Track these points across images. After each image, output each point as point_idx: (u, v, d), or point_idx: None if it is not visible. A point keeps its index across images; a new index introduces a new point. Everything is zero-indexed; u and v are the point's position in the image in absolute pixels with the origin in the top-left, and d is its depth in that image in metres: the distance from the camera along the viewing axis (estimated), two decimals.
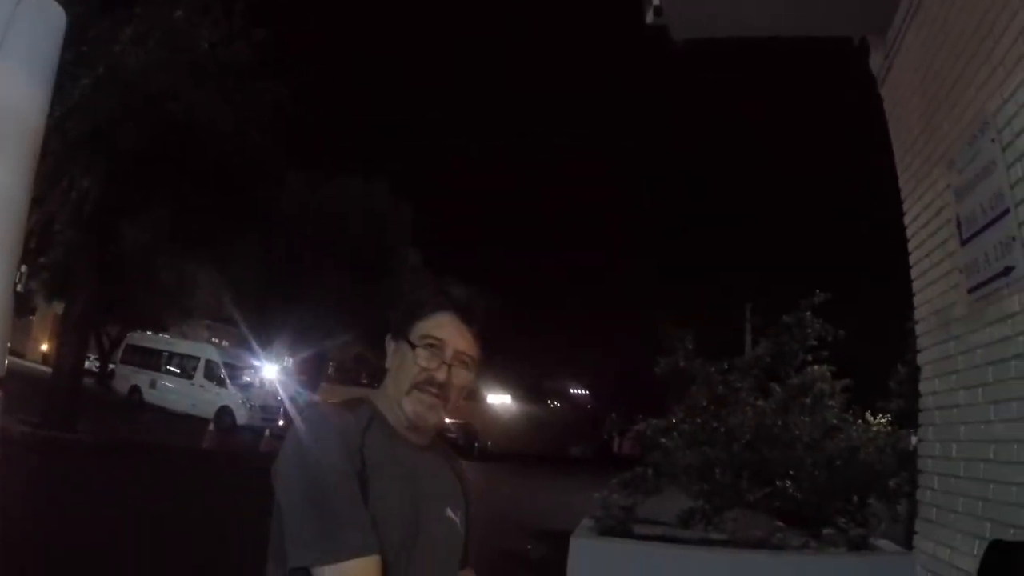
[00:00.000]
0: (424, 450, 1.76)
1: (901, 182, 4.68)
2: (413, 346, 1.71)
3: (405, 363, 1.72)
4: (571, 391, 52.34)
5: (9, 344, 1.99)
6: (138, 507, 8.96)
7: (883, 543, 5.03)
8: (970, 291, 3.70)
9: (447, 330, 1.72)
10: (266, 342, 24.59)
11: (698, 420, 5.58)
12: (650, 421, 5.96)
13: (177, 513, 8.87)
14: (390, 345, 1.80)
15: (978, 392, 3.63)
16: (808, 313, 5.78)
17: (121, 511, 8.55)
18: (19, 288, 2.18)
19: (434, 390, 1.70)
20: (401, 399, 1.70)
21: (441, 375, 1.70)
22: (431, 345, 1.70)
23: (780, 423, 5.33)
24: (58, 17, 2.44)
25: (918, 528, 4.29)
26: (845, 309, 6.54)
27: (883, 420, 6.72)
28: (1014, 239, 3.31)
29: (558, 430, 42.69)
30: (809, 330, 5.73)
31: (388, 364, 1.79)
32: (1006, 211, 3.38)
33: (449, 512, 1.76)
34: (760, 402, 5.53)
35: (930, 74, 4.29)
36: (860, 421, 6.14)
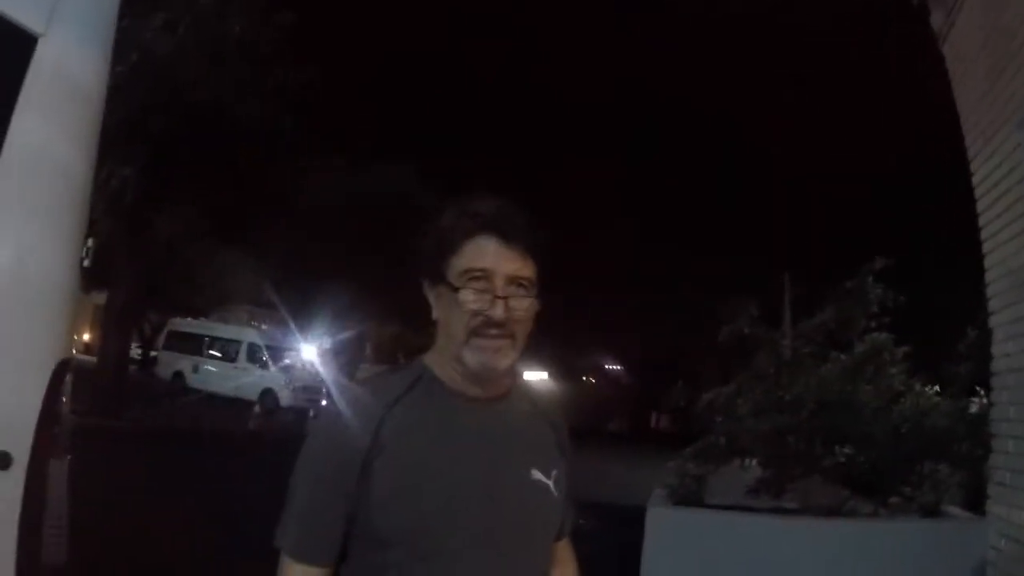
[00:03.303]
0: (498, 404, 1.52)
1: (968, 142, 4.57)
2: (455, 288, 1.44)
3: (452, 310, 1.45)
4: (606, 366, 52.30)
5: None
6: (190, 491, 9.15)
7: (954, 510, 4.98)
8: None
9: (489, 256, 1.44)
10: (305, 324, 24.87)
11: (761, 389, 5.53)
12: (720, 389, 5.91)
13: (228, 495, 9.05)
14: (430, 293, 1.52)
15: None
16: (870, 278, 5.68)
17: (175, 497, 8.73)
18: (86, 263, 2.16)
19: (495, 331, 1.43)
20: (461, 352, 1.45)
21: (498, 312, 1.42)
22: (475, 278, 1.43)
23: (848, 390, 5.28)
24: None
25: (991, 493, 4.24)
26: (906, 274, 6.43)
27: (933, 389, 6.60)
28: None
29: (595, 405, 42.74)
30: (870, 295, 5.64)
31: (435, 315, 1.52)
32: None
33: (536, 473, 1.51)
34: (824, 368, 5.47)
35: (996, 31, 4.17)
36: (924, 387, 6.05)
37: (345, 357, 30.06)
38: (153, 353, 28.27)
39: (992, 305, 4.29)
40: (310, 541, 1.41)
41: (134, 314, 20.75)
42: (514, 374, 1.57)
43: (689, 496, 4.99)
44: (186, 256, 19.44)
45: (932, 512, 4.78)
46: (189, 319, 27.17)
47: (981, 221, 4.40)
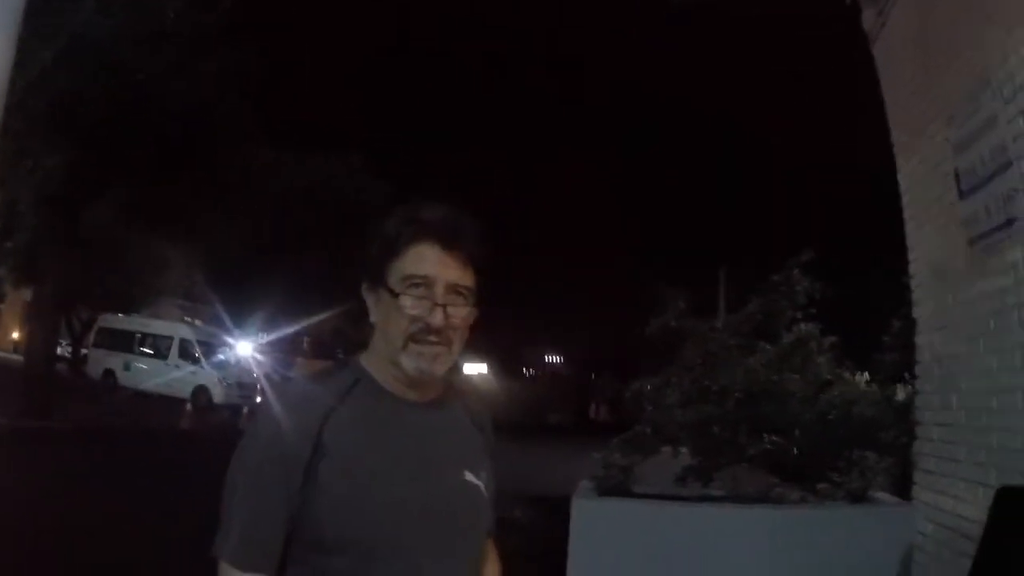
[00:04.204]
0: (432, 407, 1.54)
1: (894, 138, 4.70)
2: (395, 293, 1.45)
3: (391, 314, 1.47)
4: (546, 359, 52.62)
5: None
6: (120, 492, 8.91)
7: (881, 495, 5.13)
8: (970, 243, 3.73)
9: (430, 263, 1.46)
10: (240, 320, 24.34)
11: (689, 379, 5.64)
12: (647, 380, 6.01)
13: (160, 495, 8.83)
14: (369, 296, 1.54)
15: (979, 342, 3.69)
16: (796, 271, 5.83)
17: (103, 497, 8.49)
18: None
19: (433, 338, 1.46)
20: (398, 356, 1.46)
21: (437, 319, 1.44)
22: (415, 285, 1.45)
23: (774, 379, 5.40)
24: None
25: (917, 479, 4.38)
26: (833, 268, 6.61)
27: (864, 377, 6.81)
28: (1016, 191, 3.34)
29: (535, 398, 42.97)
30: (798, 288, 5.78)
31: (372, 318, 1.53)
32: (1008, 164, 3.41)
33: (468, 475, 1.55)
34: (751, 359, 5.59)
35: (926, 30, 4.28)
36: (852, 376, 6.23)
37: (281, 352, 29.50)
38: (83, 351, 27.33)
39: (916, 297, 4.42)
40: (252, 548, 1.38)
41: (62, 310, 20.02)
42: (446, 377, 1.57)
43: (616, 486, 5.03)
44: (116, 249, 18.80)
45: (860, 498, 4.92)
46: (119, 315, 26.33)
47: (906, 215, 4.53)
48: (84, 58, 12.60)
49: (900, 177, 4.60)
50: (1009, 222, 3.41)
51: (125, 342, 25.45)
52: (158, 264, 21.03)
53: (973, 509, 3.46)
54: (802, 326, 5.94)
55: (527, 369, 50.02)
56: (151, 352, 25.04)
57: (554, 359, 52.98)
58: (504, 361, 43.37)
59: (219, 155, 15.71)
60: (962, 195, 3.82)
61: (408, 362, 1.46)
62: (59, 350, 21.30)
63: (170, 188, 15.72)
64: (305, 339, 37.24)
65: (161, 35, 13.64)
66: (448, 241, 1.47)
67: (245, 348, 26.46)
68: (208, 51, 14.45)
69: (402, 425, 1.49)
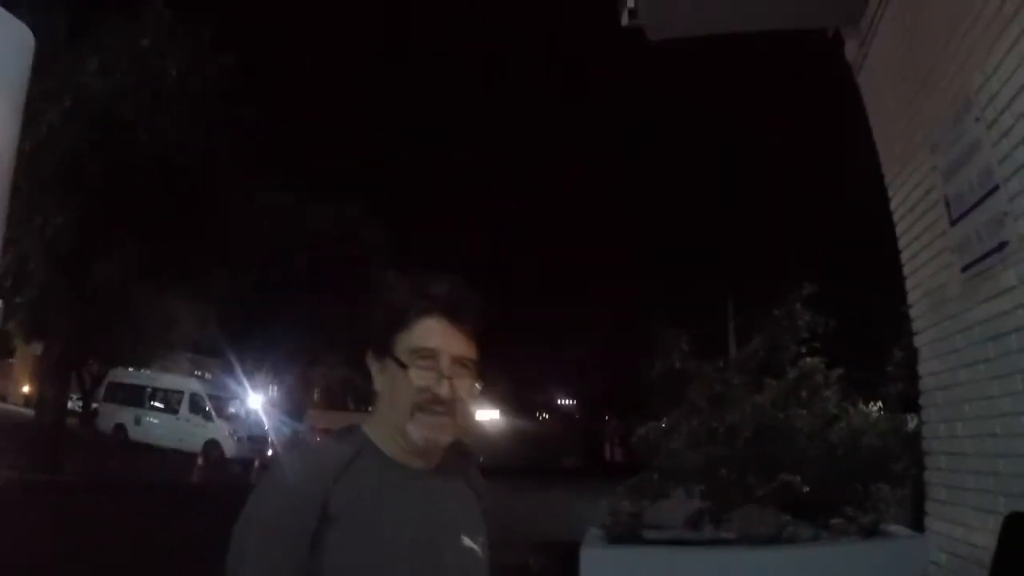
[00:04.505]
0: (433, 474, 1.58)
1: (884, 168, 4.72)
2: (403, 364, 1.50)
3: (398, 384, 1.52)
4: (559, 402, 52.29)
5: None
6: (128, 544, 8.86)
7: (894, 528, 5.04)
8: (963, 269, 3.73)
9: (437, 337, 1.52)
10: (250, 371, 24.35)
11: (696, 421, 5.59)
12: (651, 424, 5.96)
13: (169, 548, 8.75)
14: (373, 364, 1.58)
15: (980, 369, 3.66)
16: (798, 305, 5.82)
17: (111, 548, 8.44)
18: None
19: (440, 408, 1.51)
20: (404, 426, 1.50)
21: (444, 391, 1.50)
22: (423, 358, 1.50)
23: (781, 416, 5.35)
24: (24, 37, 2.31)
25: (929, 509, 4.31)
26: (834, 299, 6.60)
27: (875, 407, 6.75)
28: (1006, 214, 3.34)
29: (548, 441, 42.66)
30: (800, 322, 5.77)
31: (377, 387, 1.58)
32: (995, 188, 3.42)
33: (466, 540, 1.58)
34: (758, 397, 5.55)
35: (907, 59, 4.34)
36: (857, 408, 6.17)
37: (292, 403, 29.42)
38: (94, 405, 27.37)
39: (916, 326, 4.40)
40: None
41: (72, 365, 20.11)
42: (448, 441, 1.60)
43: (625, 533, 4.95)
44: (125, 304, 18.95)
45: (872, 532, 4.84)
46: (130, 369, 26.41)
47: (901, 244, 4.52)
48: (89, 117, 12.88)
49: (892, 206, 4.61)
50: (1000, 246, 3.40)
51: (136, 396, 25.49)
52: (167, 318, 21.14)
53: (983, 537, 3.41)
54: (807, 360, 5.92)
55: (539, 413, 49.67)
56: (162, 406, 25.03)
57: (567, 401, 52.64)
58: (516, 405, 43.15)
59: (221, 208, 15.93)
60: (953, 222, 3.83)
61: (415, 432, 1.50)
62: (70, 404, 21.33)
63: (176, 242, 15.91)
64: (316, 389, 37.19)
65: (163, 93, 13.94)
66: (454, 316, 1.53)
67: (256, 401, 26.40)
68: (209, 106, 14.75)
69: (406, 494, 1.52)
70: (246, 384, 24.89)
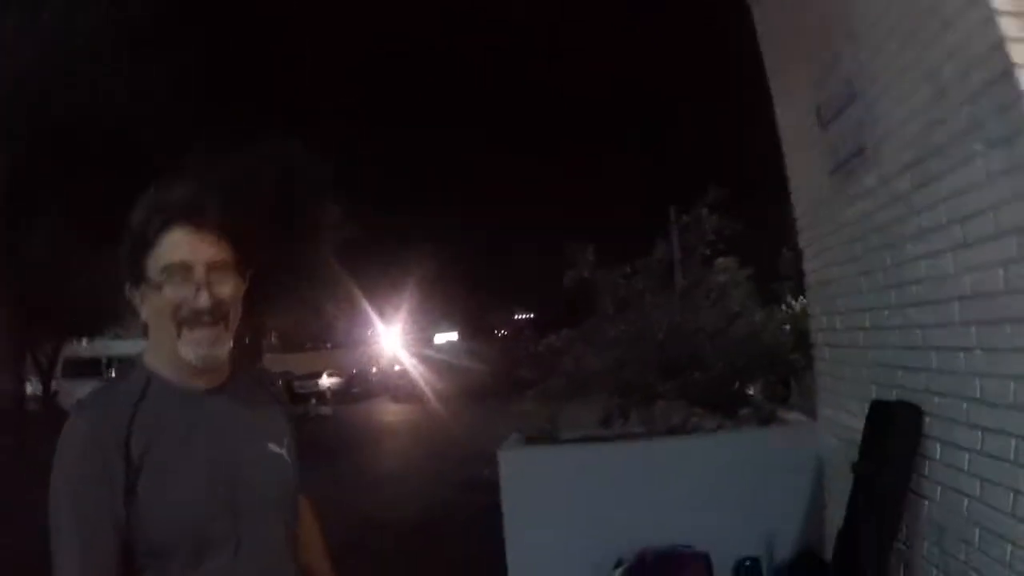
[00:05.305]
0: (223, 390, 1.55)
1: (770, 80, 4.86)
2: (157, 285, 1.44)
3: (158, 307, 1.46)
4: (516, 317, 52.85)
5: None
6: None
7: (793, 415, 5.43)
8: (831, 172, 3.97)
9: (184, 247, 1.45)
10: None
11: (606, 326, 5.89)
12: (560, 332, 6.29)
13: None
14: (133, 295, 1.51)
15: (849, 267, 3.94)
16: (704, 210, 6.05)
17: None
18: None
19: (206, 319, 1.46)
20: (176, 347, 1.46)
21: (202, 301, 1.44)
22: (175, 273, 1.44)
23: (687, 317, 5.67)
24: None
25: (820, 397, 4.68)
26: (744, 204, 6.85)
27: (794, 305, 7.10)
28: (863, 122, 3.56)
29: (507, 357, 43.20)
30: (707, 226, 6.02)
31: (143, 316, 1.51)
32: (854, 96, 3.63)
33: (272, 446, 1.59)
34: (664, 300, 5.84)
35: None
36: (769, 308, 6.51)
37: (251, 351, 29.28)
38: (53, 386, 26.85)
39: (799, 225, 4.67)
40: (91, 569, 1.37)
41: (22, 344, 19.62)
42: (229, 360, 1.58)
43: (540, 436, 5.27)
44: (65, 268, 18.44)
45: (771, 420, 5.23)
46: (84, 343, 25.82)
47: (785, 150, 4.72)
48: (14, 72, 12.35)
49: (777, 114, 4.79)
50: (860, 151, 3.64)
51: (92, 369, 24.84)
52: (111, 283, 20.65)
53: (860, 422, 3.72)
54: (720, 260, 6.21)
55: (497, 331, 50.30)
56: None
57: (524, 316, 53.21)
58: (474, 326, 43.55)
59: (156, 155, 15.47)
60: (823, 127, 4.05)
61: (187, 351, 1.46)
62: (30, 389, 20.98)
63: (111, 198, 15.43)
64: (272, 333, 37.05)
65: (91, 41, 13.36)
66: (198, 221, 1.46)
67: None
68: (140, 51, 14.15)
69: (200, 418, 1.49)
70: None
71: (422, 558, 6.67)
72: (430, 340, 42.65)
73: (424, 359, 35.31)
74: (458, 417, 20.94)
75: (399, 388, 33.42)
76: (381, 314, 34.35)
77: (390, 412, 27.41)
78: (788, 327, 5.86)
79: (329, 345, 47.22)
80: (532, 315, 52.08)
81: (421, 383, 30.14)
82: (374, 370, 41.87)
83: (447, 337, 43.13)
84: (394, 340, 40.15)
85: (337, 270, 23.34)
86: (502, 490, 4.78)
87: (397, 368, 37.79)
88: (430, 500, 9.58)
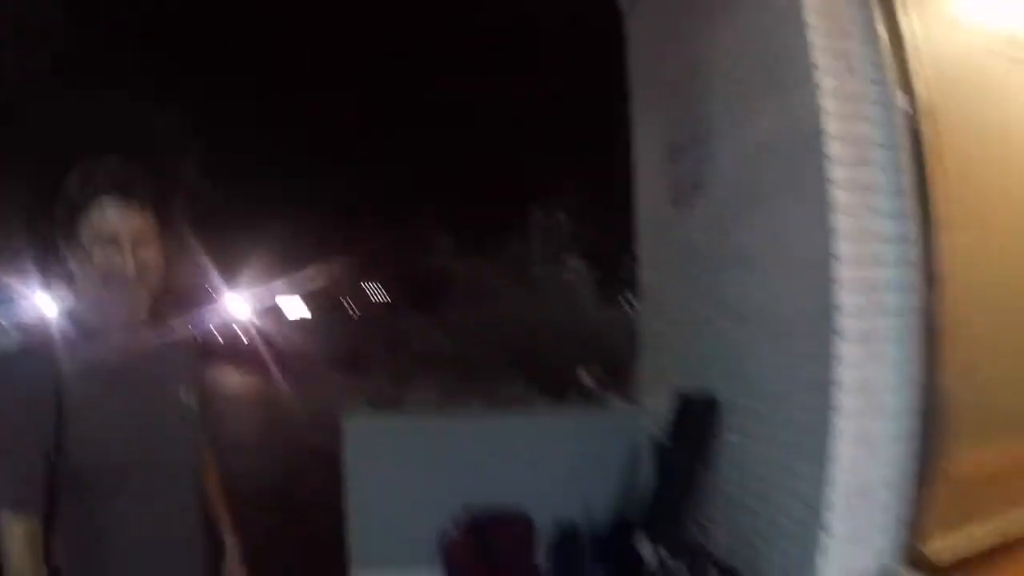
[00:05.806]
0: (140, 340, 1.71)
1: (635, 115, 5.32)
2: (87, 250, 1.61)
3: (86, 268, 1.63)
4: (368, 295, 51.72)
5: None
6: None
7: (620, 403, 6.09)
8: (672, 201, 4.63)
9: (113, 220, 1.60)
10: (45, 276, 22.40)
11: (455, 313, 6.35)
12: (412, 312, 6.70)
13: None
14: (66, 253, 1.67)
15: (675, 278, 4.60)
16: (562, 214, 6.65)
17: None
18: None
19: (129, 284, 1.64)
20: (100, 303, 1.64)
21: (129, 269, 1.61)
22: (104, 240, 1.60)
23: (536, 309, 6.25)
24: None
25: (641, 387, 5.36)
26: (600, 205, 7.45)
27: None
28: (701, 160, 4.24)
29: (357, 333, 42.47)
30: (563, 229, 6.60)
31: (73, 271, 1.66)
32: (700, 139, 4.27)
33: (181, 394, 1.76)
34: (515, 292, 6.38)
35: (664, 15, 4.77)
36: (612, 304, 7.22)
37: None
38: None
39: (640, 237, 5.27)
40: (19, 488, 1.49)
41: None
42: (146, 309, 1.76)
43: (387, 406, 5.58)
44: None
45: (601, 405, 5.86)
46: None
47: (639, 175, 5.33)
48: None
49: (635, 141, 5.36)
50: (697, 187, 4.32)
51: None
52: None
53: (670, 409, 4.39)
54: (569, 261, 6.84)
55: (344, 299, 49.19)
56: None
57: (378, 295, 52.24)
58: (317, 295, 42.38)
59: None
60: (671, 162, 4.69)
61: (111, 308, 1.66)
62: None
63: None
64: None
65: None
66: (126, 195, 1.62)
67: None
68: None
69: (120, 364, 1.65)
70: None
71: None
72: (280, 310, 41.34)
73: (272, 329, 34.25)
74: (306, 388, 20.72)
75: (245, 356, 32.35)
76: (230, 282, 33.01)
77: (234, 382, 26.58)
78: (623, 325, 6.57)
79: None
80: (387, 294, 51.29)
81: (267, 353, 29.25)
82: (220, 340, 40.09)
83: (290, 301, 41.92)
84: (242, 308, 38.49)
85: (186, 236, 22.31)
86: (346, 458, 4.81)
87: (243, 337, 36.40)
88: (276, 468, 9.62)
